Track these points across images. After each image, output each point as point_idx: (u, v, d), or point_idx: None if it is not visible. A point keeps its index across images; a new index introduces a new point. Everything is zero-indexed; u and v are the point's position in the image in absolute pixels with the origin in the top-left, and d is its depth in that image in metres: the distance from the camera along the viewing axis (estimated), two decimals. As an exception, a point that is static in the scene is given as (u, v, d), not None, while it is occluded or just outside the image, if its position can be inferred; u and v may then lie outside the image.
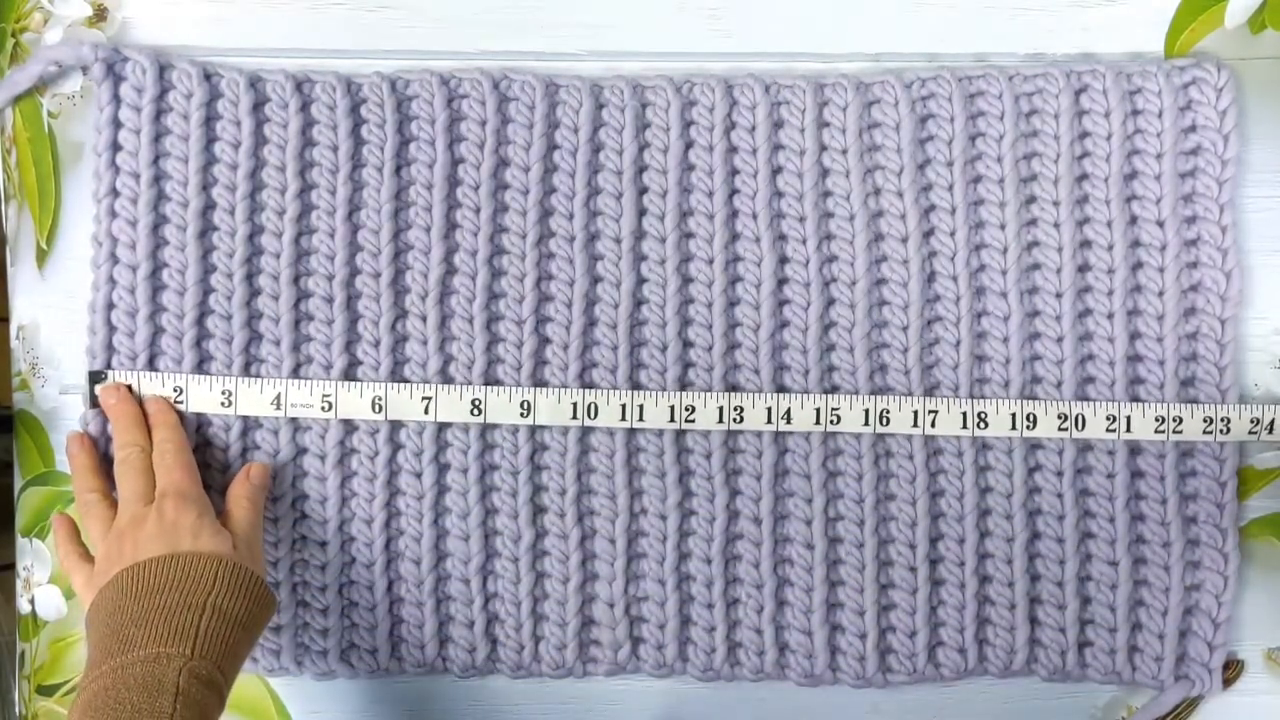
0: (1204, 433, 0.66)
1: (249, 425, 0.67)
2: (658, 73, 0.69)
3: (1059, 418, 0.67)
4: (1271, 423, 0.66)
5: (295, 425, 0.67)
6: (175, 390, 0.67)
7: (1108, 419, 0.66)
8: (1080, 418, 0.66)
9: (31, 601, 0.70)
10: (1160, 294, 0.67)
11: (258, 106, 0.68)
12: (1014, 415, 0.67)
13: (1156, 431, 0.66)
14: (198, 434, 0.67)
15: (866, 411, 0.67)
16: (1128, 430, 0.66)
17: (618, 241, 0.68)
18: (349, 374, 0.67)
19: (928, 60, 0.69)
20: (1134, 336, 0.67)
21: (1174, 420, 0.66)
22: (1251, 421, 0.66)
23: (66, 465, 0.68)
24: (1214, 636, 0.67)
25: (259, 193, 0.68)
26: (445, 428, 0.68)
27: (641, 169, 0.68)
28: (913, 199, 0.67)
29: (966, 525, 0.67)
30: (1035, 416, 0.67)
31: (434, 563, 0.68)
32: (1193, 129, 0.67)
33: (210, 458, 0.67)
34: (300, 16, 0.69)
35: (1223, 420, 0.66)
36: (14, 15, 0.70)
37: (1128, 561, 0.67)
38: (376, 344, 0.67)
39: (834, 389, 0.67)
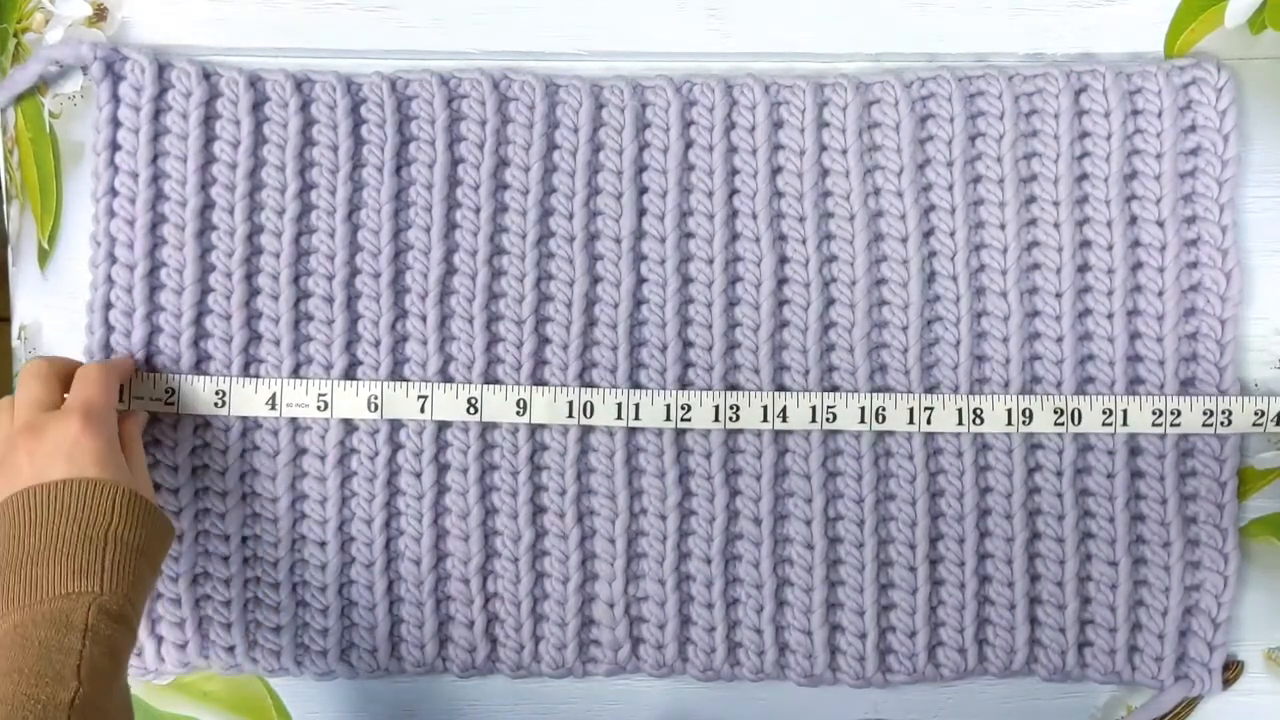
0: (1203, 425, 0.66)
1: (248, 426, 0.67)
2: (658, 73, 0.69)
3: (1055, 412, 0.66)
4: (1278, 415, 0.66)
5: (295, 425, 0.68)
6: (167, 392, 0.67)
7: (1104, 412, 0.66)
8: (1077, 412, 0.66)
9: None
10: (1160, 294, 0.67)
11: (257, 106, 0.68)
12: (1010, 410, 0.66)
13: (1154, 424, 0.66)
14: (195, 435, 0.67)
15: (863, 409, 0.67)
16: (1124, 424, 0.66)
17: (618, 241, 0.68)
18: (349, 374, 0.68)
19: (928, 60, 0.69)
20: (1134, 337, 0.67)
21: (1172, 414, 0.66)
22: (1256, 414, 0.66)
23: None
24: (1214, 636, 0.67)
25: (258, 192, 0.68)
26: (445, 428, 0.68)
27: (641, 169, 0.68)
28: (913, 199, 0.67)
29: (966, 525, 0.67)
30: (1031, 411, 0.66)
31: (434, 563, 0.68)
32: (1193, 129, 0.67)
33: (209, 458, 0.68)
34: (300, 16, 0.70)
35: (1224, 412, 0.66)
36: (15, 15, 0.70)
37: (1128, 561, 0.67)
38: (376, 344, 0.68)
39: (834, 389, 0.67)
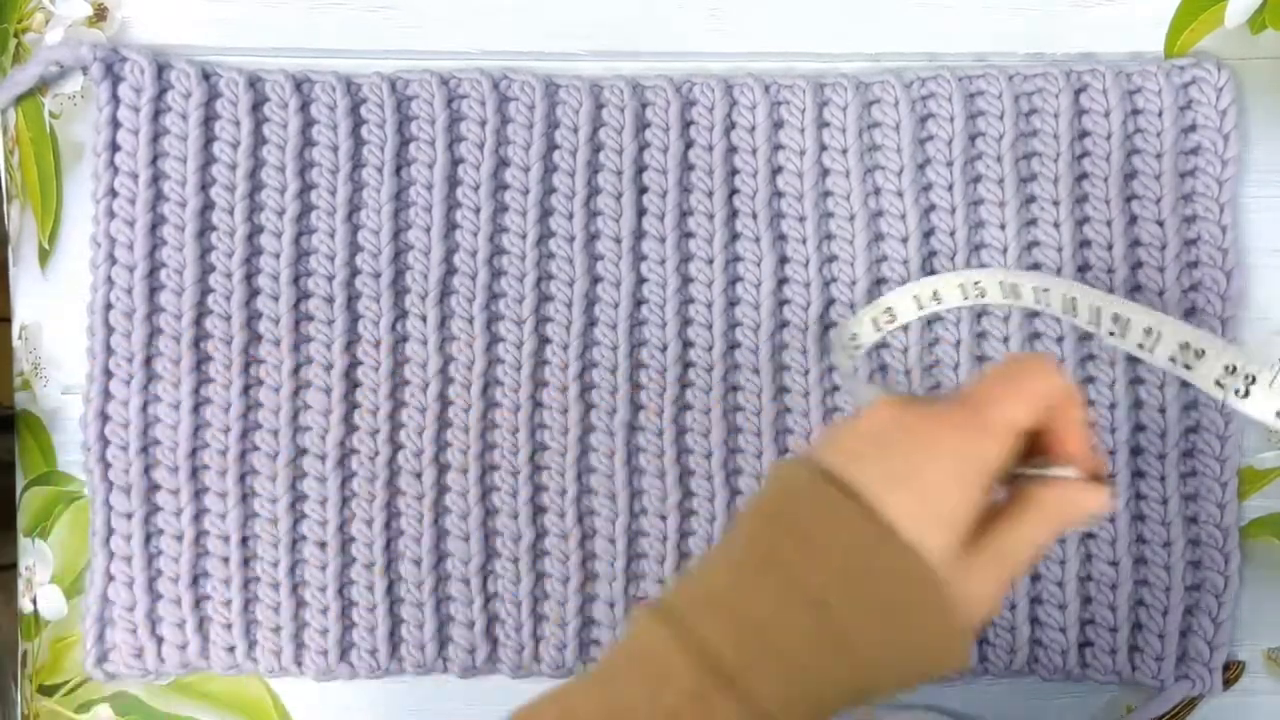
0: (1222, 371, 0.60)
1: (248, 426, 0.67)
2: (658, 73, 0.69)
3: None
4: None
5: (295, 425, 0.68)
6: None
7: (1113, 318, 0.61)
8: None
9: (34, 601, 0.70)
10: (1160, 294, 0.67)
11: (257, 106, 0.68)
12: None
13: (1170, 359, 0.59)
14: (195, 436, 0.67)
15: (961, 285, 0.65)
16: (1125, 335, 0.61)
17: (618, 241, 0.68)
18: (348, 374, 0.67)
19: (928, 60, 0.69)
20: (1134, 336, 0.67)
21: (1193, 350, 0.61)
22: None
23: (69, 465, 0.69)
24: (1214, 636, 0.67)
25: (258, 193, 0.68)
26: (445, 428, 0.68)
27: (641, 169, 0.68)
28: (913, 199, 0.67)
29: (966, 525, 0.67)
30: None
31: (434, 563, 0.68)
32: (1193, 129, 0.67)
33: (209, 458, 0.67)
34: (300, 16, 0.70)
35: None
36: (15, 15, 0.70)
37: (1128, 561, 0.67)
38: (376, 344, 0.68)
39: (835, 389, 0.67)
